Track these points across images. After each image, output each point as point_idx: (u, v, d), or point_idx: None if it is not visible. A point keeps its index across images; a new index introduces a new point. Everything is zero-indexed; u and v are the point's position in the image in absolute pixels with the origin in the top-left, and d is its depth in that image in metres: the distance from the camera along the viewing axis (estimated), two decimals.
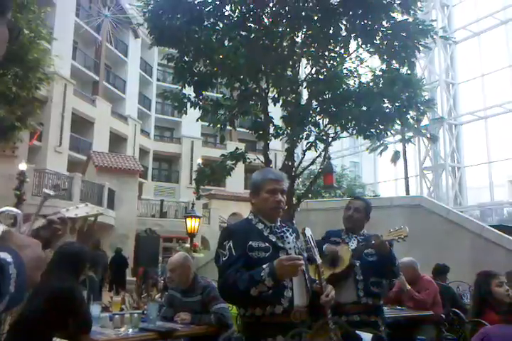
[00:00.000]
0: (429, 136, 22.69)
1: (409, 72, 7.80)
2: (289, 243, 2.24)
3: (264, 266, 2.03)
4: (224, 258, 2.14)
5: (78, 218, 1.77)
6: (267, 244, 2.18)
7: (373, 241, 2.95)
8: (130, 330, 3.03)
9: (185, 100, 8.24)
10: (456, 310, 4.56)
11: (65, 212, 1.69)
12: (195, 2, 7.90)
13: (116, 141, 23.90)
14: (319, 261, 2.21)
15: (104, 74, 24.51)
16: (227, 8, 8.15)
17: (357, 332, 2.35)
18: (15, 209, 1.15)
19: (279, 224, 2.30)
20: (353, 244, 3.12)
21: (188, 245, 12.90)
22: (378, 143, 21.15)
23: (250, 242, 2.16)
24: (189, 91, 8.36)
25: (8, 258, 0.80)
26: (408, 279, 4.64)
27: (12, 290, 0.78)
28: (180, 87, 8.34)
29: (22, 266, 0.82)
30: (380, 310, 3.08)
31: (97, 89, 23.50)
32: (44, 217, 1.64)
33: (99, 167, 17.61)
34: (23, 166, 12.54)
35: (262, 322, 2.11)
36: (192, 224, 11.81)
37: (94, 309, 3.16)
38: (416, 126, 17.29)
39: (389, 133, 8.43)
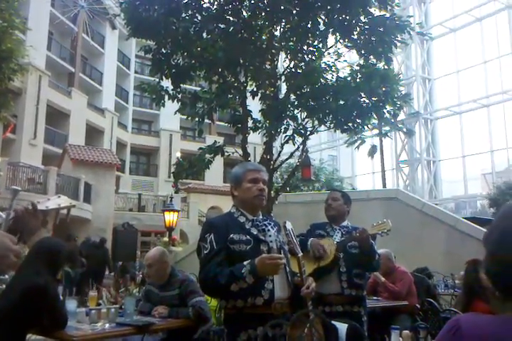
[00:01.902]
0: (405, 130, 23.05)
1: (386, 67, 7.87)
2: (270, 236, 2.26)
3: (245, 262, 2.06)
4: (205, 251, 2.17)
5: (50, 210, 1.71)
6: (249, 237, 2.21)
7: (357, 234, 3.00)
8: (107, 325, 3.01)
9: (163, 93, 8.16)
10: (431, 300, 4.67)
11: (36, 204, 1.64)
12: None
13: (93, 133, 23.52)
14: (300, 253, 2.25)
15: (81, 65, 24.03)
16: (206, 0, 8.08)
17: (333, 322, 2.39)
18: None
19: (261, 217, 2.33)
20: (336, 236, 3.17)
21: (166, 239, 12.85)
22: (356, 137, 21.38)
23: (232, 235, 2.19)
24: (167, 83, 8.27)
25: None
26: (384, 270, 4.73)
27: None
28: (157, 80, 8.25)
29: None
30: (363, 301, 3.16)
31: (73, 80, 23.04)
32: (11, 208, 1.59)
33: (75, 160, 17.32)
34: None
35: (244, 314, 2.13)
36: (170, 217, 11.76)
37: (70, 304, 3.13)
38: (393, 120, 17.47)
39: (366, 127, 8.52)
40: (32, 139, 18.94)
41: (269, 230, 2.27)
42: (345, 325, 2.43)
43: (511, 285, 0.81)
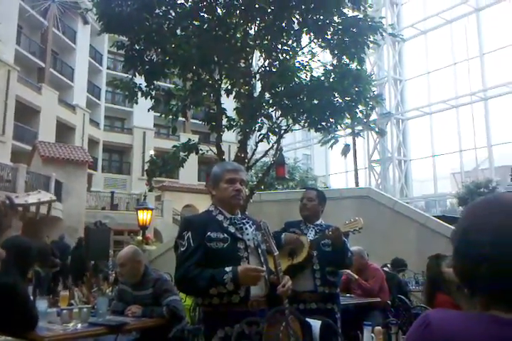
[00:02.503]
0: (377, 130, 23.42)
1: (359, 67, 7.98)
2: (248, 234, 2.28)
3: (227, 268, 2.08)
4: (182, 249, 2.19)
5: (29, 204, 1.66)
6: (226, 235, 2.23)
7: (330, 232, 3.03)
8: (79, 325, 2.96)
9: (136, 89, 8.05)
10: (402, 297, 4.77)
11: (14, 199, 1.59)
12: None
13: (64, 130, 23.02)
14: (276, 252, 2.27)
15: (51, 60, 23.47)
16: None
17: (307, 319, 2.42)
18: None
19: (239, 216, 2.35)
20: (310, 234, 3.20)
21: (140, 238, 12.69)
22: (329, 136, 21.60)
23: (209, 233, 2.20)
24: (140, 80, 8.17)
25: None
26: (356, 267, 4.80)
27: None
28: (130, 76, 8.13)
29: None
30: (336, 298, 3.20)
31: (43, 76, 22.49)
32: None
33: (46, 157, 16.93)
34: None
35: (220, 312, 2.15)
36: (144, 216, 11.64)
37: (41, 304, 3.06)
38: (365, 120, 17.76)
39: (339, 126, 8.62)
40: (0, 135, 18.42)
41: (246, 228, 2.29)
42: (319, 322, 2.47)
43: (475, 282, 0.83)
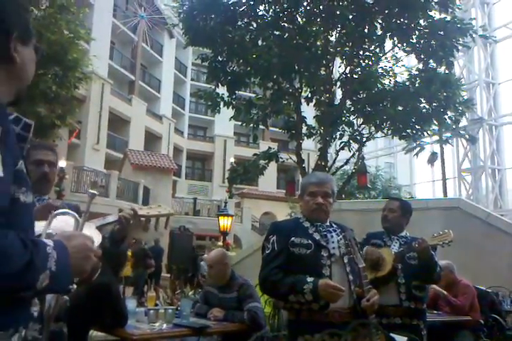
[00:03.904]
0: (467, 136, 22.06)
1: (447, 71, 7.61)
2: (332, 242, 2.27)
3: (308, 279, 2.09)
4: (267, 251, 2.29)
5: (150, 216, 1.90)
6: (310, 241, 2.24)
7: (416, 245, 2.90)
8: (164, 325, 3.07)
9: (219, 99, 8.32)
10: (496, 316, 4.42)
11: (138, 210, 1.80)
12: (229, 2, 7.96)
13: (151, 139, 24.33)
14: (362, 264, 2.22)
15: (140, 73, 25.00)
16: (261, 8, 8.17)
17: (392, 335, 2.32)
18: (72, 212, 1.22)
19: (327, 224, 2.36)
20: (394, 246, 3.08)
21: (220, 243, 12.99)
22: (414, 144, 20.71)
23: (293, 238, 2.25)
24: (222, 90, 8.42)
25: (50, 242, 0.92)
26: (445, 283, 4.52)
27: (53, 268, 0.88)
28: (213, 87, 8.41)
29: (64, 251, 0.93)
30: (423, 314, 3.03)
31: (133, 88, 23.99)
32: (120, 211, 1.82)
33: (135, 165, 17.97)
34: (62, 163, 12.93)
35: (302, 320, 2.17)
36: (224, 222, 11.89)
37: (130, 303, 3.23)
38: (454, 126, 16.82)
39: (426, 133, 8.26)
40: (95, 144, 19.86)
41: (332, 236, 2.29)
42: (405, 339, 2.36)
43: None
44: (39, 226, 1.17)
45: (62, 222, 1.23)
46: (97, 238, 1.51)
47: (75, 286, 1.09)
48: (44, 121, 10.67)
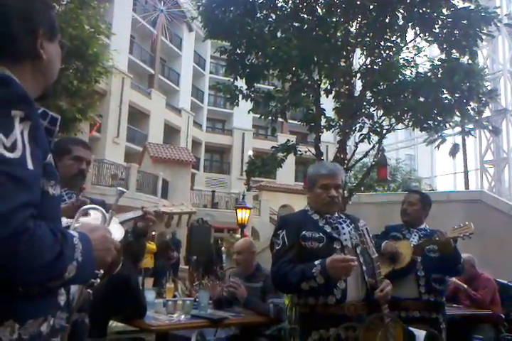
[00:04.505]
0: (490, 128, 21.59)
1: (470, 61, 7.43)
2: (344, 234, 2.23)
3: (316, 261, 2.04)
4: (277, 247, 2.22)
5: (173, 214, 1.97)
6: (321, 234, 2.20)
7: (437, 238, 2.86)
8: (182, 316, 3.11)
9: (237, 92, 8.29)
10: None
11: (161, 207, 1.88)
12: None
13: (170, 132, 24.50)
14: (374, 254, 2.19)
15: (160, 67, 25.12)
16: None
17: (410, 328, 2.30)
18: (100, 208, 1.25)
19: (336, 215, 2.31)
20: (413, 239, 3.05)
21: (238, 236, 13.05)
22: (436, 136, 20.39)
23: (304, 232, 2.19)
24: (241, 83, 8.40)
25: (75, 233, 0.94)
26: (466, 276, 4.47)
27: (79, 258, 0.90)
28: (232, 79, 8.39)
29: (88, 242, 0.95)
30: (442, 307, 3.00)
31: (153, 82, 24.14)
32: (142, 208, 1.90)
33: (154, 158, 18.14)
34: None
35: (316, 313, 2.13)
36: (242, 215, 11.94)
37: (149, 295, 3.28)
38: (477, 117, 16.48)
39: (448, 125, 8.10)
40: (115, 138, 20.10)
41: (343, 228, 2.24)
42: (423, 332, 2.34)
43: None
44: (67, 222, 1.20)
45: (89, 217, 1.26)
46: (121, 232, 1.55)
47: (98, 280, 1.11)
48: (66, 115, 10.82)
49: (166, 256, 10.62)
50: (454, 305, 4.50)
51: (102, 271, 1.07)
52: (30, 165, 0.86)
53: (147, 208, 1.87)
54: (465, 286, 4.51)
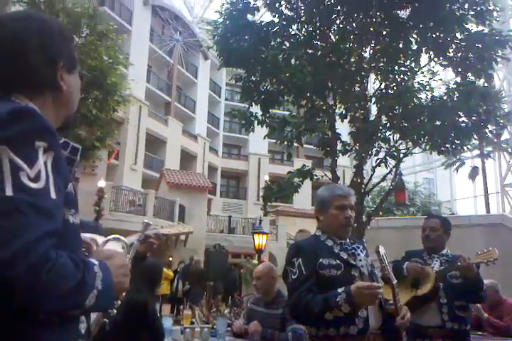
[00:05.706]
0: (510, 150, 21.29)
1: (486, 84, 7.42)
2: (360, 260, 2.15)
3: (339, 289, 1.95)
4: (294, 276, 2.09)
5: (171, 235, 1.95)
6: (339, 262, 2.11)
7: (459, 264, 2.79)
8: None
9: (253, 118, 8.38)
10: None
11: (160, 229, 1.87)
12: (262, 24, 8.10)
13: (187, 158, 24.73)
14: (394, 281, 2.13)
15: (176, 95, 25.62)
16: (294, 27, 8.26)
17: None
18: (123, 238, 1.27)
19: (348, 240, 2.22)
20: (435, 265, 2.98)
21: (256, 261, 12.92)
22: (454, 159, 20.17)
23: (321, 259, 2.09)
24: (256, 109, 8.50)
25: (96, 262, 0.95)
26: (490, 303, 4.32)
27: (99, 287, 0.90)
28: (247, 106, 8.50)
29: (107, 271, 0.95)
30: (467, 335, 2.90)
31: (169, 109, 24.59)
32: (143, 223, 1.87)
33: (171, 184, 18.26)
34: (102, 183, 13.32)
35: None
36: (259, 240, 11.84)
37: (167, 322, 3.24)
38: (495, 140, 16.30)
39: (466, 148, 8.02)
40: (133, 164, 20.37)
41: (358, 254, 2.16)
42: None
43: None
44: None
45: (111, 247, 1.28)
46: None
47: (114, 311, 1.11)
48: (85, 143, 11.05)
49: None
50: (479, 332, 4.35)
51: (119, 302, 1.07)
52: (53, 195, 0.88)
53: (147, 232, 1.85)
54: (486, 315, 4.35)
